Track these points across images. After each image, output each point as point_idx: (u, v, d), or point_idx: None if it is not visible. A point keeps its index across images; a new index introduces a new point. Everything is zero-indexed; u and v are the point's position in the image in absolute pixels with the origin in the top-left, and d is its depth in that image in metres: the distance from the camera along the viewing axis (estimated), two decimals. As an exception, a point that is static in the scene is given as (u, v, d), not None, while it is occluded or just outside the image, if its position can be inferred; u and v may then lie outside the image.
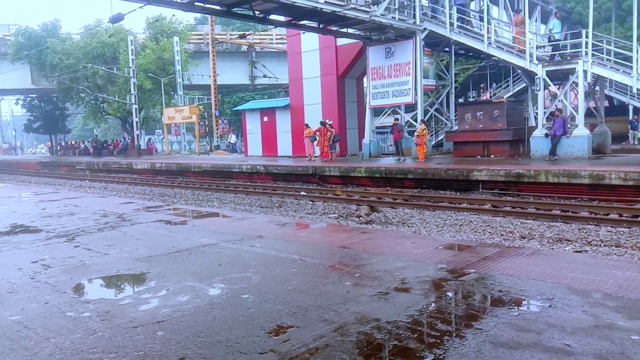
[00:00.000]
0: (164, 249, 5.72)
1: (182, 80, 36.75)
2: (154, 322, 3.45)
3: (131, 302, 3.94)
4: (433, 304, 3.69)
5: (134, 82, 33.78)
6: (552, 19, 18.63)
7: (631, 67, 15.09)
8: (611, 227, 8.91)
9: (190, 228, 7.17)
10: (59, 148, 48.57)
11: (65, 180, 26.13)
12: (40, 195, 12.58)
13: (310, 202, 13.51)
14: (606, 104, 23.59)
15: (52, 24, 39.25)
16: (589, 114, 17.91)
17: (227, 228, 7.02)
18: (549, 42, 17.77)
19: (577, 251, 7.33)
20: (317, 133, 20.55)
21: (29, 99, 47.04)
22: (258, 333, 3.20)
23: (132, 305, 3.85)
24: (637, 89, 16.72)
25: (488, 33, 17.78)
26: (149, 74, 34.76)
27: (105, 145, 41.69)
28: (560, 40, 16.62)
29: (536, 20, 21.45)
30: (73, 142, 49.83)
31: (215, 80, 36.00)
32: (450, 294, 3.95)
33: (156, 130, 55.27)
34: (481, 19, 18.37)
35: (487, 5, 18.21)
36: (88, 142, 44.85)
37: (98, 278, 4.69)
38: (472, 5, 20.23)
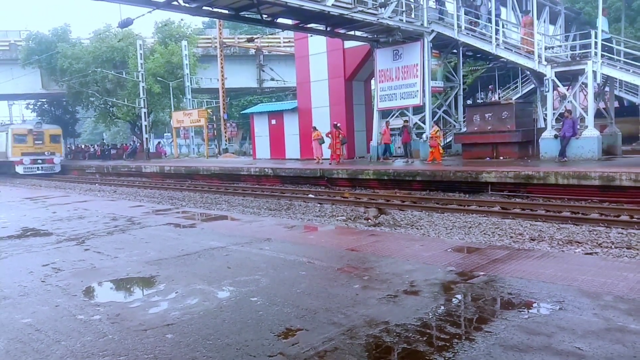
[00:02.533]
0: (173, 252, 5.75)
1: (191, 84, 36.97)
2: (164, 325, 3.47)
3: (141, 305, 3.96)
4: (442, 307, 3.68)
5: (143, 86, 34.00)
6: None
7: (641, 68, 14.98)
8: (622, 228, 8.82)
9: (199, 231, 7.20)
10: (69, 152, 48.96)
11: (75, 183, 26.36)
12: (51, 199, 12.68)
13: (319, 205, 13.51)
14: (616, 104, 23.40)
15: (62, 29, 39.64)
16: (598, 115, 17.75)
17: (235, 231, 7.04)
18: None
19: (587, 253, 7.26)
20: (329, 135, 20.54)
21: (40, 103, 47.46)
22: (267, 336, 3.20)
23: (141, 308, 3.87)
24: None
25: (496, 34, 17.72)
26: (158, 78, 34.99)
27: (111, 148, 41.90)
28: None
29: (545, 21, 21.33)
30: (83, 146, 50.19)
31: (223, 84, 36.13)
32: (459, 296, 3.94)
33: (165, 134, 55.60)
34: (489, 21, 18.31)
35: (494, 6, 18.15)
36: (97, 145, 45.21)
37: (108, 281, 4.72)
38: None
